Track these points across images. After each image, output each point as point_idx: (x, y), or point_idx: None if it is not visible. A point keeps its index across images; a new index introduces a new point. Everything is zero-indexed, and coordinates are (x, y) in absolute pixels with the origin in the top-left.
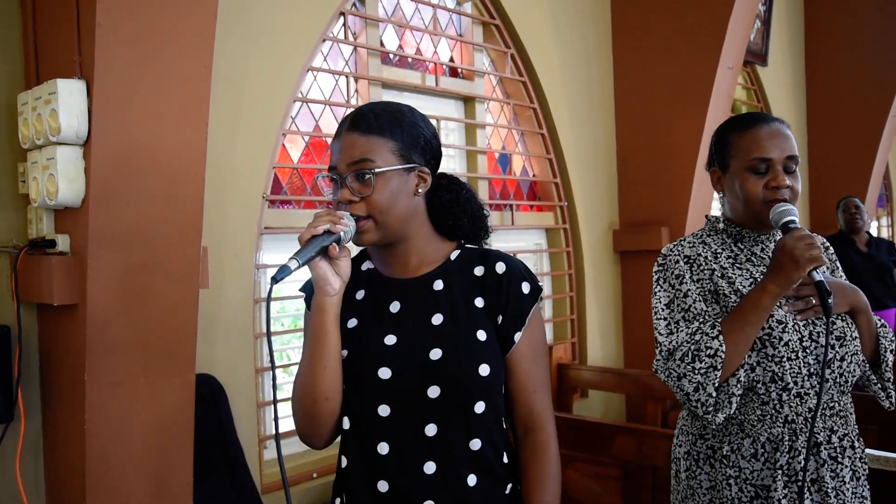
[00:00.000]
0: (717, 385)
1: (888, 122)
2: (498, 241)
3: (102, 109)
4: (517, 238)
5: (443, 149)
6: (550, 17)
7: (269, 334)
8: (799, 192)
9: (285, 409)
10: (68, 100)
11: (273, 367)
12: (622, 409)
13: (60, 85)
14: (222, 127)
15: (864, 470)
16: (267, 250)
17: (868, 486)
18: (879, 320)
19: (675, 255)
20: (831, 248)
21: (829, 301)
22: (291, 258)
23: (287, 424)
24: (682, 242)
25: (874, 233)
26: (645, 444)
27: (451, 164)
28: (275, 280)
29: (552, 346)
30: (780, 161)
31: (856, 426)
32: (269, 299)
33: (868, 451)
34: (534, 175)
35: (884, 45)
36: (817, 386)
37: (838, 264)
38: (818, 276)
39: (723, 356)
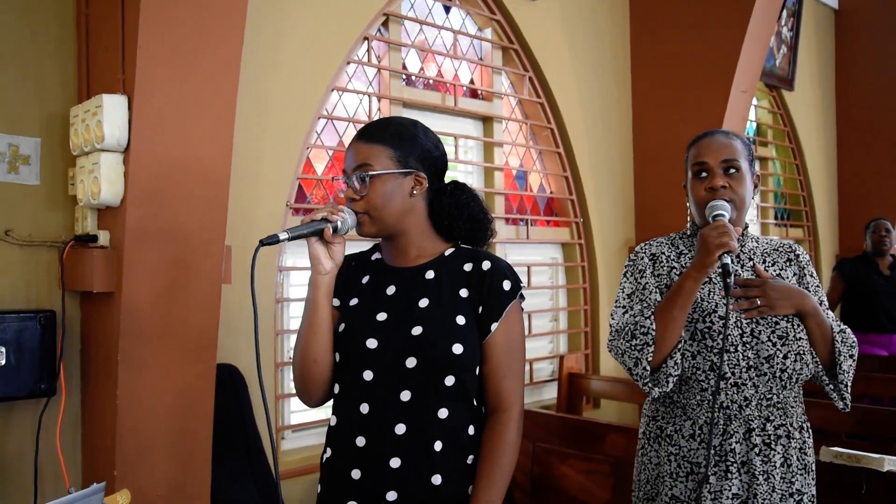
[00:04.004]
0: (650, 360)
1: None
2: (514, 254)
3: (141, 121)
4: (533, 252)
5: (461, 165)
6: (568, 42)
7: (252, 288)
8: (744, 195)
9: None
10: (112, 112)
11: (256, 316)
12: (636, 419)
13: (105, 99)
14: (250, 141)
15: (801, 459)
16: (289, 254)
17: (806, 475)
18: (838, 325)
19: (644, 252)
20: (803, 253)
21: (729, 280)
22: (284, 230)
23: (305, 416)
24: (652, 242)
25: None
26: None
27: (469, 179)
28: (262, 243)
29: (563, 356)
30: (715, 164)
31: (801, 418)
32: (254, 257)
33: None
34: (550, 192)
35: None
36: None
37: (810, 270)
38: (725, 259)
39: (654, 334)
